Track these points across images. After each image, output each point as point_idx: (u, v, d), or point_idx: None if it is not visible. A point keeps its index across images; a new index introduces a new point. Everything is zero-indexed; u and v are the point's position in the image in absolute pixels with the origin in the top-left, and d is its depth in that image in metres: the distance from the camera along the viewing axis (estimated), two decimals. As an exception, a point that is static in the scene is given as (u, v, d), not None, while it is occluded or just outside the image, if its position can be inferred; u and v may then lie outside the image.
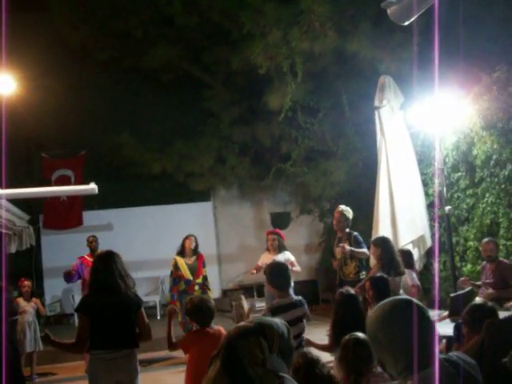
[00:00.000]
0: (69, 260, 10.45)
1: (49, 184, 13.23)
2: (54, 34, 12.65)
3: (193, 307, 4.84)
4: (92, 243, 9.53)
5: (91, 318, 4.60)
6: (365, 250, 7.64)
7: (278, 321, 2.32)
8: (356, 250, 7.61)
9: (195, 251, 8.92)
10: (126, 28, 11.99)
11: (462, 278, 7.72)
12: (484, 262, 7.54)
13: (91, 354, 4.60)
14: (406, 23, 5.29)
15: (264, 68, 10.61)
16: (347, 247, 7.63)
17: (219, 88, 13.11)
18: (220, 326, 4.87)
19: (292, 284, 8.52)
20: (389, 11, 5.20)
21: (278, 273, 5.17)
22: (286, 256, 8.47)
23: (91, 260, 9.19)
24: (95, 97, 13.47)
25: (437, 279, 8.95)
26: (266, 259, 8.53)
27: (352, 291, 5.12)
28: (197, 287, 8.69)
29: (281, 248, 8.65)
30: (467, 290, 6.75)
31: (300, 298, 5.15)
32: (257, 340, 2.16)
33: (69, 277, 9.17)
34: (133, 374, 4.66)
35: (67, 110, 13.03)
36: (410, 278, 6.78)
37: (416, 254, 8.88)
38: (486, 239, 7.61)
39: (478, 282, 7.53)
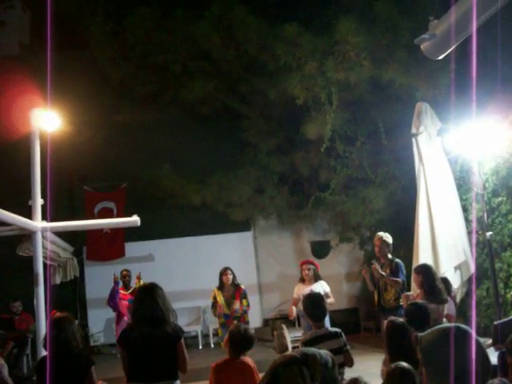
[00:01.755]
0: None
1: (91, 216, 13.50)
2: (95, 71, 12.99)
3: (238, 333, 4.86)
4: (125, 277, 9.69)
5: (129, 350, 4.70)
6: (399, 279, 7.64)
7: (323, 352, 2.38)
8: (389, 277, 7.64)
9: (233, 284, 8.96)
10: (165, 63, 12.23)
11: None
12: None
13: None
14: (440, 57, 5.33)
15: (301, 99, 10.72)
16: (378, 269, 7.67)
17: (256, 118, 13.21)
18: (248, 358, 4.88)
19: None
20: (422, 47, 5.25)
21: (313, 304, 5.22)
22: (322, 287, 8.40)
23: (123, 293, 9.39)
24: (135, 130, 13.74)
25: (473, 306, 8.83)
26: (300, 290, 8.52)
27: (401, 319, 5.06)
28: (235, 321, 8.68)
29: (316, 278, 8.59)
30: (511, 317, 6.64)
31: (337, 330, 5.15)
32: (299, 369, 2.23)
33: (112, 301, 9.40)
34: None
35: (108, 143, 13.33)
36: (446, 306, 6.68)
37: (458, 281, 8.78)
38: None
39: None
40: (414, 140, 9.50)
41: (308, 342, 4.92)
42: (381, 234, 8.06)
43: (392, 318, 5.04)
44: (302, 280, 8.71)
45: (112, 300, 10.07)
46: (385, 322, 5.10)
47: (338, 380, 2.43)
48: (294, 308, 8.50)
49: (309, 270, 8.60)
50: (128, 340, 4.74)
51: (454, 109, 8.68)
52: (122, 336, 4.88)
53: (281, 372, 2.24)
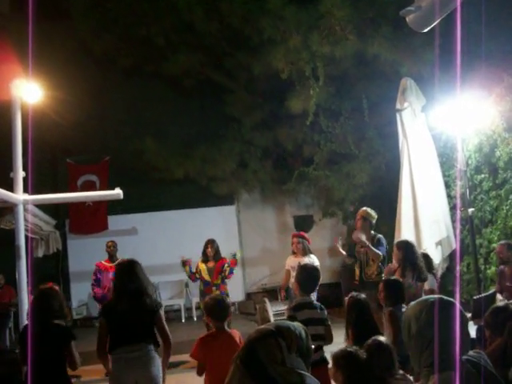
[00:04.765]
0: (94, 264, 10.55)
1: (74, 189, 13.41)
2: (77, 42, 12.82)
3: (212, 302, 4.95)
4: (110, 248, 9.65)
5: (112, 322, 4.91)
6: (380, 252, 7.62)
7: (296, 323, 2.41)
8: (371, 246, 7.60)
9: (216, 256, 9.02)
10: (148, 35, 12.09)
11: None
12: (502, 266, 7.48)
13: (111, 355, 4.89)
14: (426, 30, 5.29)
15: (286, 73, 10.65)
16: (361, 236, 7.64)
17: (241, 93, 13.12)
18: (234, 329, 4.98)
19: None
20: (408, 19, 5.20)
21: (308, 275, 5.23)
22: (311, 260, 8.34)
23: (109, 265, 9.38)
24: (118, 103, 13.62)
25: (458, 281, 8.91)
26: (291, 262, 8.55)
27: (362, 295, 5.08)
28: (214, 288, 8.79)
29: (306, 251, 8.60)
30: (490, 292, 6.72)
31: (321, 305, 5.21)
32: (275, 341, 2.24)
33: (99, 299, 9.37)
34: (153, 373, 4.86)
35: (91, 116, 13.21)
36: (428, 282, 6.69)
37: (439, 256, 8.85)
38: (500, 242, 7.57)
39: None
40: (398, 116, 9.48)
41: (295, 308, 5.01)
42: (365, 209, 8.04)
43: (353, 293, 5.09)
44: (293, 252, 8.74)
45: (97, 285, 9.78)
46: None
47: (312, 350, 2.46)
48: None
49: (299, 243, 8.61)
50: (110, 312, 4.97)
51: (439, 85, 8.66)
52: (105, 308, 5.12)
53: (257, 346, 2.25)
